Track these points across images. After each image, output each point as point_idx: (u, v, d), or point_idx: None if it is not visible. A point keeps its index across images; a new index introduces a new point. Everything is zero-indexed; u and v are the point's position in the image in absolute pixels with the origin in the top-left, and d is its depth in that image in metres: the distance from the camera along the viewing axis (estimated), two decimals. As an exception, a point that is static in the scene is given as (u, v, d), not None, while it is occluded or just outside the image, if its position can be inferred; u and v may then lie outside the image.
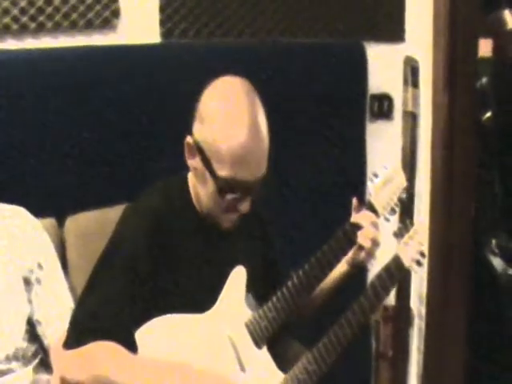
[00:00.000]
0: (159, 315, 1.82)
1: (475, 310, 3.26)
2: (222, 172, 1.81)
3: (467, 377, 3.31)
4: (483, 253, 3.46)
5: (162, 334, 1.82)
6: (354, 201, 2.12)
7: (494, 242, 3.48)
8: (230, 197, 1.86)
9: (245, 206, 1.89)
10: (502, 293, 3.45)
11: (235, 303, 1.96)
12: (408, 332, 3.27)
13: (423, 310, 3.23)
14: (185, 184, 1.99)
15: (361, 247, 2.08)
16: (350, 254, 2.12)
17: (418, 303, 3.26)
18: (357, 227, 2.07)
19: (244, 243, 2.06)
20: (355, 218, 2.10)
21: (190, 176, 1.98)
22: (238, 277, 1.98)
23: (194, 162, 1.89)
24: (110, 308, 1.76)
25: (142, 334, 1.80)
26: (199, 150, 1.84)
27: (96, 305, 1.78)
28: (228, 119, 1.80)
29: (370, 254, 2.10)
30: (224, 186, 1.83)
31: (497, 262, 3.47)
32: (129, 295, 1.79)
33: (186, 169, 1.97)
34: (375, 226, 2.09)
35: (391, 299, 3.19)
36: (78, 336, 1.76)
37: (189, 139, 1.87)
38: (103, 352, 1.71)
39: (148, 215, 1.89)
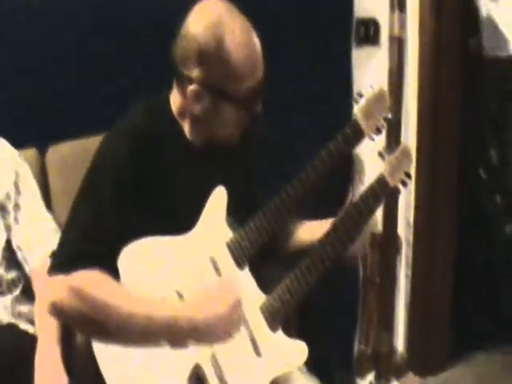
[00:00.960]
0: (141, 237, 1.80)
1: (463, 235, 3.26)
2: (240, 91, 1.86)
3: (454, 302, 3.32)
4: (472, 182, 3.44)
5: (143, 256, 1.81)
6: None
7: (485, 179, 3.46)
8: (253, 107, 1.91)
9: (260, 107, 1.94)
10: (489, 224, 3.45)
11: (216, 223, 1.94)
12: (395, 259, 3.27)
13: (411, 237, 3.22)
14: (167, 105, 1.96)
15: None
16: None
17: (405, 230, 3.25)
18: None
19: (226, 165, 2.03)
20: None
21: (173, 97, 1.96)
22: (218, 197, 1.95)
23: (203, 104, 1.88)
24: (96, 231, 1.76)
25: (123, 257, 1.78)
26: (209, 90, 1.85)
27: (81, 229, 1.77)
28: (230, 46, 1.82)
29: None
30: (247, 101, 1.88)
31: (485, 194, 3.46)
32: (113, 217, 1.78)
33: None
34: None
35: (379, 226, 3.18)
36: (66, 262, 1.74)
37: (192, 87, 1.85)
38: (97, 282, 1.71)
39: (131, 134, 1.87)
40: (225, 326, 1.70)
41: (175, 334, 1.67)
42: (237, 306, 1.72)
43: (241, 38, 1.83)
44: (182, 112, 1.94)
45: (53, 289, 1.77)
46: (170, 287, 1.82)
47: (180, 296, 1.81)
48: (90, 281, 1.71)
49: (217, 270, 1.90)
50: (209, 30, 1.82)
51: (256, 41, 1.87)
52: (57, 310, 1.75)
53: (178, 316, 1.67)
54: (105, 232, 1.76)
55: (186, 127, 1.95)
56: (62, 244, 1.83)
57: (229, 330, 1.72)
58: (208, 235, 1.91)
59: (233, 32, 1.82)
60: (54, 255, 1.84)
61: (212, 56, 1.82)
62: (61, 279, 1.73)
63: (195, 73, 1.85)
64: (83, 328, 1.80)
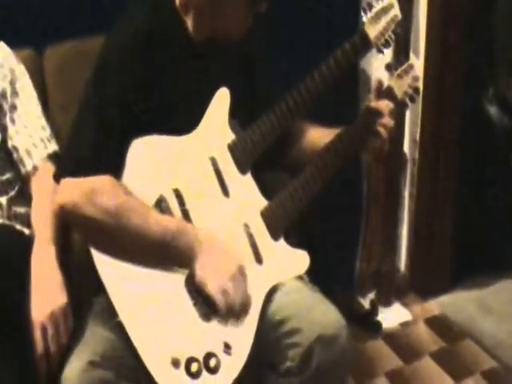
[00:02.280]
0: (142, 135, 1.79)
1: (469, 154, 3.22)
2: None
3: (458, 223, 3.30)
4: (480, 101, 3.38)
5: (144, 153, 1.79)
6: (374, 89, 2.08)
7: (491, 90, 3.39)
8: (256, 4, 1.86)
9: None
10: (496, 141, 3.40)
11: (218, 125, 1.90)
12: (400, 176, 3.23)
13: (416, 155, 3.18)
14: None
15: (377, 134, 2.06)
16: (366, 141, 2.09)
17: (411, 147, 3.20)
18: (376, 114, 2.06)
19: (231, 69, 2.00)
20: (376, 104, 2.11)
21: None
22: (221, 99, 1.92)
23: None
24: (105, 132, 1.75)
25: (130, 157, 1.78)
26: None
27: (91, 131, 1.76)
28: None
29: (387, 141, 2.10)
30: None
31: (493, 111, 3.40)
32: (120, 116, 1.77)
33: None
34: (392, 114, 2.09)
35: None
36: (76, 165, 1.75)
37: None
38: (111, 186, 1.72)
39: (133, 31, 1.84)
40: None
41: (185, 249, 1.71)
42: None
43: None
44: (185, 4, 1.89)
45: (64, 191, 1.76)
46: (168, 186, 1.81)
47: (178, 195, 1.80)
48: (103, 187, 1.71)
49: (217, 171, 1.87)
50: None
51: None
52: (66, 213, 1.75)
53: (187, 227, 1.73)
54: (113, 132, 1.75)
55: (190, 21, 1.90)
56: (71, 146, 1.83)
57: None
58: (210, 136, 1.88)
59: None
60: (65, 158, 1.85)
61: None
62: (73, 182, 1.73)
63: None
64: (90, 234, 1.79)
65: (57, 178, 1.79)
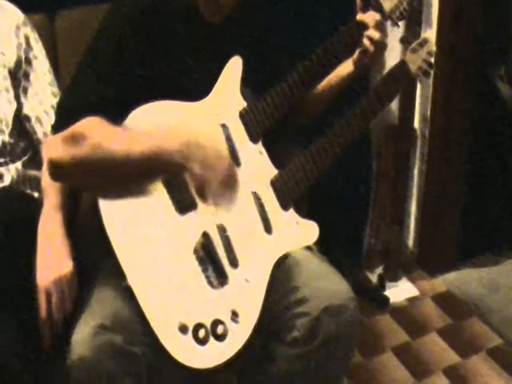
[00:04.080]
0: (152, 101, 1.77)
1: (481, 133, 3.20)
2: None
3: (467, 202, 3.30)
4: (491, 77, 3.36)
5: (153, 118, 1.77)
6: (359, 0, 2.03)
7: (503, 67, 3.37)
8: None
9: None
10: (507, 119, 3.38)
11: (230, 93, 1.89)
12: (410, 152, 3.22)
13: (427, 132, 3.17)
14: None
15: (365, 49, 2.00)
16: (355, 55, 2.04)
17: (421, 124, 3.19)
18: (362, 27, 1.99)
19: (243, 38, 1.99)
20: (360, 17, 2.01)
21: None
22: (233, 67, 1.90)
23: None
24: (99, 87, 1.73)
25: (133, 118, 1.75)
26: None
27: (83, 85, 1.75)
28: None
29: (374, 57, 2.04)
30: None
31: (505, 88, 3.38)
32: (120, 79, 1.75)
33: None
34: (381, 27, 2.01)
35: (395, 118, 3.13)
36: (66, 115, 1.72)
37: None
38: (94, 125, 1.68)
39: (138, 2, 1.82)
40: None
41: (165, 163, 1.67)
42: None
43: None
44: None
45: (49, 146, 1.75)
46: None
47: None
48: (83, 126, 1.68)
49: (228, 138, 1.86)
50: None
51: None
52: (55, 166, 1.72)
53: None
54: (106, 91, 1.73)
55: None
56: (62, 100, 1.85)
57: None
58: (221, 103, 1.86)
59: None
60: (56, 112, 1.83)
61: None
62: (56, 135, 1.72)
63: None
64: (81, 179, 1.76)
65: (52, 131, 1.80)
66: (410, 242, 3.42)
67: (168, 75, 1.81)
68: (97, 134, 1.67)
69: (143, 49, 1.78)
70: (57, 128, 1.74)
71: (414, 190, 3.33)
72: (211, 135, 1.79)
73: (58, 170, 1.73)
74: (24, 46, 2.13)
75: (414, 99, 3.09)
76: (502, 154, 3.31)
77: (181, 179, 1.76)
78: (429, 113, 3.13)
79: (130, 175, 1.70)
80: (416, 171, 3.29)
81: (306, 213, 1.97)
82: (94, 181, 1.74)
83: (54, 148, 1.72)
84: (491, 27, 3.16)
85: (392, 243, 3.25)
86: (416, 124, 3.18)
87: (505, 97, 3.36)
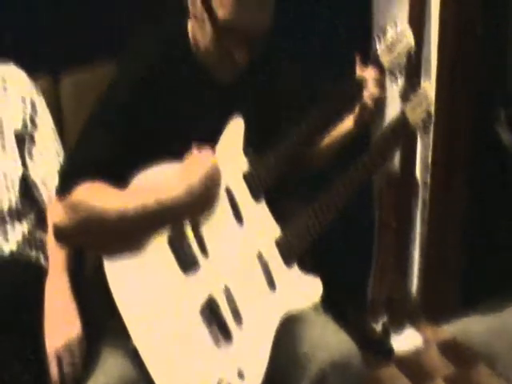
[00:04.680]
0: (153, 163, 1.78)
1: (482, 180, 3.22)
2: (222, 13, 1.76)
3: (470, 249, 3.30)
4: (492, 124, 3.38)
5: (155, 182, 1.78)
6: (358, 57, 2.06)
7: (502, 113, 3.40)
8: (227, 43, 1.80)
9: (243, 57, 1.83)
10: (508, 165, 3.40)
11: (233, 154, 1.91)
12: (412, 201, 3.23)
13: (428, 180, 3.18)
14: (184, 30, 1.92)
15: (365, 105, 2.02)
16: (355, 111, 2.07)
17: (423, 172, 3.21)
18: (361, 83, 2.02)
19: (245, 96, 2.00)
20: (360, 73, 2.04)
21: (190, 23, 1.91)
22: (235, 127, 1.92)
23: (194, 5, 1.83)
24: (101, 152, 1.75)
25: (134, 182, 1.77)
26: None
27: (86, 150, 1.77)
28: None
29: (374, 113, 2.06)
30: (223, 30, 1.78)
31: (505, 134, 3.40)
32: (120, 141, 1.77)
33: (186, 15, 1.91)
34: (380, 83, 2.04)
35: (396, 167, 3.14)
36: (67, 180, 1.74)
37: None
38: (91, 190, 1.71)
39: (143, 63, 1.85)
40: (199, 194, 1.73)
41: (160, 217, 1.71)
42: (210, 173, 1.75)
43: None
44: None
45: (53, 211, 1.79)
46: None
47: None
48: (83, 191, 1.70)
49: (231, 199, 1.87)
50: None
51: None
52: (58, 232, 1.76)
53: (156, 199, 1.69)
54: (110, 156, 1.75)
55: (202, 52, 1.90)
56: (65, 165, 1.87)
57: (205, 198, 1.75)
58: (224, 165, 1.87)
59: None
60: (58, 177, 1.85)
61: None
62: (60, 201, 1.74)
63: None
64: (85, 241, 1.80)
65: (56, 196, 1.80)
66: (414, 290, 3.41)
67: (172, 135, 1.82)
68: (94, 198, 1.69)
69: (148, 110, 1.80)
70: (59, 193, 1.76)
71: (417, 239, 3.33)
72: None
73: (62, 235, 1.76)
74: (29, 109, 2.15)
75: (414, 148, 3.11)
76: (504, 200, 3.31)
77: (183, 237, 1.77)
78: (430, 161, 3.14)
79: (130, 234, 1.72)
80: (418, 219, 3.29)
81: (309, 266, 1.98)
82: (96, 243, 1.76)
83: (57, 213, 1.75)
84: (490, 74, 3.20)
85: (396, 292, 3.25)
86: (417, 172, 3.19)
87: (505, 142, 3.38)
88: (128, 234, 1.72)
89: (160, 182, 1.75)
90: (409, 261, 3.36)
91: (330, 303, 1.99)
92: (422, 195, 3.24)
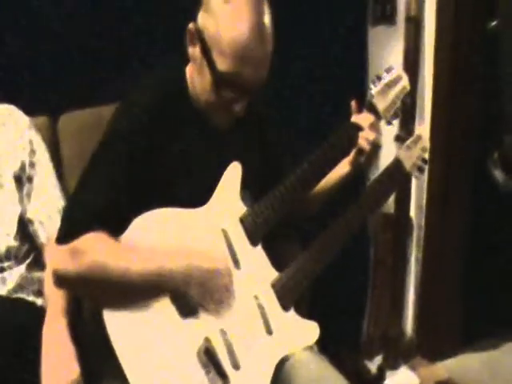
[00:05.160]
0: (153, 208, 1.80)
1: (476, 221, 3.24)
2: (222, 66, 1.77)
3: (466, 287, 3.31)
4: (485, 164, 3.41)
5: (155, 226, 1.80)
6: (353, 102, 2.09)
7: (496, 153, 3.42)
8: (226, 94, 1.82)
9: (240, 108, 1.86)
10: (503, 206, 3.42)
11: (230, 198, 1.93)
12: (407, 241, 3.25)
13: (423, 220, 3.20)
14: (183, 76, 1.94)
15: (361, 150, 2.05)
16: (351, 155, 2.09)
17: (417, 212, 3.23)
18: (357, 128, 2.05)
19: (242, 141, 2.02)
20: (356, 118, 2.07)
21: (189, 68, 1.93)
22: (233, 172, 1.94)
23: (194, 52, 1.85)
24: (103, 200, 1.76)
25: (135, 227, 1.78)
26: (201, 38, 1.80)
27: (88, 197, 1.78)
28: (235, 13, 1.75)
29: (370, 157, 2.08)
30: (222, 82, 1.79)
31: (499, 174, 3.42)
32: (121, 188, 1.78)
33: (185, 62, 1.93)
34: (376, 127, 2.07)
35: (391, 207, 3.16)
36: (70, 228, 1.75)
37: (191, 25, 1.83)
38: (95, 241, 1.72)
39: (142, 109, 1.86)
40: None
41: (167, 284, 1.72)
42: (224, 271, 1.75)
43: (252, 26, 1.75)
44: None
45: (54, 257, 1.80)
46: None
47: None
48: (87, 241, 1.72)
49: (229, 244, 1.89)
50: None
51: (267, 38, 1.79)
52: (59, 277, 1.77)
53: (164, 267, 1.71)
54: (110, 204, 1.76)
55: (201, 102, 1.92)
56: (67, 212, 1.87)
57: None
58: (221, 209, 1.90)
59: (248, 15, 1.75)
60: (60, 224, 1.84)
61: (216, 7, 1.77)
62: (60, 246, 1.75)
63: (200, 15, 1.82)
64: (83, 291, 1.82)
65: (57, 242, 1.81)
66: (409, 328, 3.41)
67: (171, 180, 1.85)
68: (98, 252, 1.71)
69: (148, 154, 1.81)
70: (61, 240, 1.76)
71: (412, 278, 3.34)
72: (212, 251, 1.83)
73: (63, 281, 1.78)
74: (28, 149, 2.17)
75: (409, 189, 3.14)
76: (499, 239, 3.33)
77: None
78: (424, 202, 3.16)
79: (130, 292, 1.73)
80: (413, 259, 3.30)
81: (304, 307, 2.00)
82: (96, 294, 1.77)
83: (58, 259, 1.76)
84: (484, 116, 3.23)
85: (391, 331, 3.25)
86: (412, 213, 3.21)
87: (499, 183, 3.40)
88: (129, 291, 1.73)
89: (165, 245, 1.78)
90: (404, 299, 3.37)
91: (325, 343, 2.01)
92: (417, 234, 3.25)
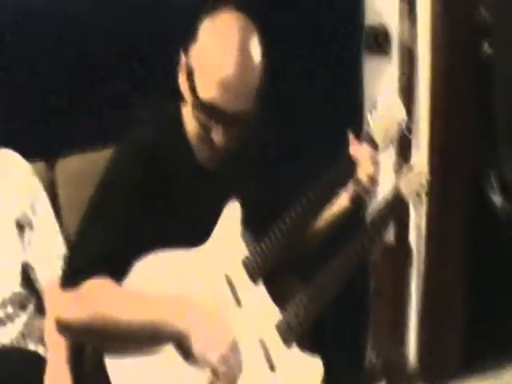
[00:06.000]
0: (152, 250, 1.79)
1: (477, 246, 3.23)
2: (203, 92, 1.77)
3: (468, 313, 3.30)
4: (483, 188, 3.41)
5: (155, 270, 1.79)
6: (350, 134, 2.08)
7: (493, 177, 3.43)
8: (204, 122, 1.80)
9: (219, 138, 1.81)
10: (501, 230, 3.42)
11: (230, 238, 1.92)
12: (407, 271, 3.24)
13: (422, 248, 3.19)
14: (178, 114, 1.93)
15: (359, 182, 2.04)
16: (349, 188, 2.08)
17: (417, 240, 3.22)
18: (355, 161, 2.04)
19: (239, 181, 2.01)
20: (353, 150, 2.06)
21: (184, 108, 1.93)
22: (232, 212, 1.93)
23: (182, 80, 1.85)
24: (103, 246, 1.74)
25: (136, 271, 1.77)
26: (187, 67, 1.81)
27: (89, 243, 1.77)
28: (219, 46, 1.76)
29: (369, 190, 2.07)
30: (201, 109, 1.78)
31: (497, 198, 3.43)
32: (122, 231, 1.77)
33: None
34: (374, 159, 2.06)
35: (391, 238, 3.15)
36: (72, 275, 1.74)
37: (182, 55, 1.84)
38: (98, 290, 1.70)
39: (139, 149, 1.86)
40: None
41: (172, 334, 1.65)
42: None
43: (236, 57, 1.75)
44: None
45: (57, 304, 1.79)
46: None
47: None
48: (89, 289, 1.70)
49: (231, 285, 1.88)
50: (215, 28, 1.80)
51: (252, 70, 1.79)
52: (61, 325, 1.75)
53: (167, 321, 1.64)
54: (111, 248, 1.75)
55: (199, 148, 1.90)
56: (69, 258, 1.85)
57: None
58: (222, 250, 1.89)
59: (233, 47, 1.76)
60: (63, 270, 1.83)
61: (203, 38, 1.80)
62: (63, 294, 1.74)
63: (191, 47, 1.83)
64: (86, 338, 1.81)
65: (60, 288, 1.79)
66: (411, 355, 3.40)
67: (168, 220, 1.82)
68: (101, 300, 1.69)
69: (145, 198, 1.80)
70: (65, 286, 1.75)
71: (413, 305, 3.33)
72: (215, 301, 1.80)
73: (65, 328, 1.76)
74: (29, 195, 2.17)
75: (408, 216, 3.13)
76: (499, 266, 3.33)
77: None
78: (424, 229, 3.16)
79: (132, 341, 1.71)
80: (413, 286, 3.30)
81: (306, 342, 1.98)
82: (98, 341, 1.76)
83: (60, 307, 1.75)
84: (482, 140, 3.24)
85: (393, 358, 3.24)
86: (411, 241, 3.21)
87: (497, 206, 3.40)
88: (131, 338, 1.71)
89: (167, 290, 1.76)
90: (406, 326, 3.36)
91: (327, 372, 1.99)
92: (417, 263, 3.24)
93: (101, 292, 1.70)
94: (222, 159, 1.91)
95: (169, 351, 1.73)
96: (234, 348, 1.66)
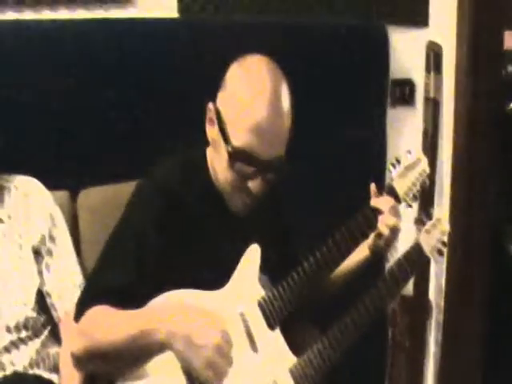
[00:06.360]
0: (170, 289, 1.80)
1: (495, 303, 3.21)
2: (236, 142, 1.79)
3: (485, 369, 3.26)
4: (502, 242, 3.40)
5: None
6: (373, 186, 2.08)
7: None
8: (240, 170, 1.82)
9: (256, 186, 1.84)
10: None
11: (248, 281, 1.92)
12: (426, 323, 3.22)
13: (442, 302, 3.17)
14: (203, 158, 1.96)
15: (380, 234, 2.03)
16: (370, 239, 2.08)
17: (436, 295, 3.20)
18: (376, 212, 2.03)
19: (260, 225, 2.02)
20: (375, 202, 2.06)
21: (209, 151, 1.94)
22: (252, 255, 1.93)
23: (212, 131, 1.87)
24: (120, 283, 1.75)
25: (150, 306, 1.77)
26: (218, 116, 1.82)
27: (106, 280, 1.77)
28: (251, 91, 1.79)
29: (390, 242, 2.06)
30: (236, 157, 1.80)
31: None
32: (139, 271, 1.77)
33: (205, 144, 1.95)
34: (395, 211, 2.05)
35: (409, 289, 3.14)
36: (83, 307, 1.75)
37: (210, 105, 1.86)
38: (95, 317, 1.71)
39: (162, 191, 1.87)
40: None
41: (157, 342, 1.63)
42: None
43: (268, 103, 1.77)
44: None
45: (71, 339, 1.80)
46: None
47: None
48: (93, 317, 1.71)
49: (247, 328, 1.88)
50: (244, 75, 1.83)
51: (284, 116, 1.81)
52: (75, 360, 1.76)
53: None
54: (128, 287, 1.75)
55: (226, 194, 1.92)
56: (84, 293, 1.85)
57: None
58: (239, 293, 1.89)
59: (264, 93, 1.78)
60: (77, 304, 1.84)
61: (232, 86, 1.82)
62: (74, 327, 1.75)
63: (219, 95, 1.86)
64: (96, 368, 1.80)
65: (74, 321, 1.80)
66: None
67: (190, 262, 1.84)
68: (97, 326, 1.70)
69: (165, 237, 1.81)
70: (75, 318, 1.77)
71: (431, 359, 3.30)
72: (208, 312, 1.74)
73: (78, 362, 1.77)
74: (49, 223, 2.18)
75: (428, 271, 3.12)
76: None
77: None
78: (444, 283, 3.14)
79: (130, 358, 1.70)
80: (432, 340, 3.27)
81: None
82: (104, 368, 1.77)
83: (72, 340, 1.77)
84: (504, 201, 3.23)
85: (410, 413, 3.20)
86: (431, 295, 3.19)
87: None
88: (130, 359, 1.71)
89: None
90: (423, 380, 3.32)
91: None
92: (436, 316, 3.22)
93: (97, 318, 1.71)
94: (254, 206, 1.92)
95: (177, 378, 1.73)
96: (223, 346, 1.62)
